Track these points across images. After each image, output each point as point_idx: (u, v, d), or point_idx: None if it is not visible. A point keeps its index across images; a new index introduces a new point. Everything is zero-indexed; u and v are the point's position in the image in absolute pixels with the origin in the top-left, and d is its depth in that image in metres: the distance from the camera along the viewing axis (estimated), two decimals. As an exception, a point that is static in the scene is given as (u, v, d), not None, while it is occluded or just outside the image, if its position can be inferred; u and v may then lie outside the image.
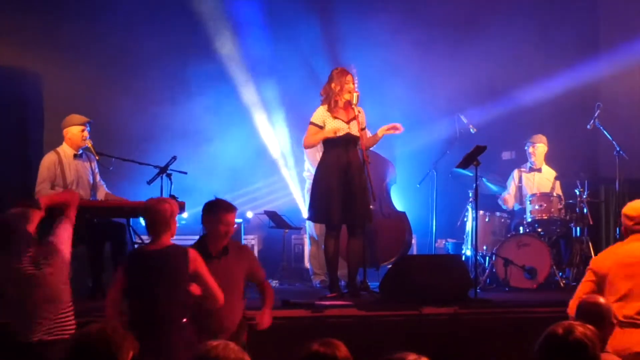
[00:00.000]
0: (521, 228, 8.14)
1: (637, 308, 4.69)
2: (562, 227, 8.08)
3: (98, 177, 7.11)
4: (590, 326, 3.01)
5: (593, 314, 3.89)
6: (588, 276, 4.93)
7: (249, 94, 9.08)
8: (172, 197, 6.74)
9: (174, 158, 7.07)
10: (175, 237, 4.73)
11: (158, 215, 4.56)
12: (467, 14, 9.30)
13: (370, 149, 7.11)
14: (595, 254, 7.05)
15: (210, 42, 8.89)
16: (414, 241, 8.58)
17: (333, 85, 6.75)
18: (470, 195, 7.85)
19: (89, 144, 6.96)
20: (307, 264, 8.52)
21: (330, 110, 6.74)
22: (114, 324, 2.92)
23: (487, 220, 8.14)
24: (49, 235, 4.57)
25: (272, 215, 8.44)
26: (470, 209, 7.99)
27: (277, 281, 8.14)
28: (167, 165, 7.04)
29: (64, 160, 6.89)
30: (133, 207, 6.74)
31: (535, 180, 8.53)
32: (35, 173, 6.92)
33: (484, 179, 8.30)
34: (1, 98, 8.18)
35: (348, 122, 6.73)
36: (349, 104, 6.76)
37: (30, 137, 8.46)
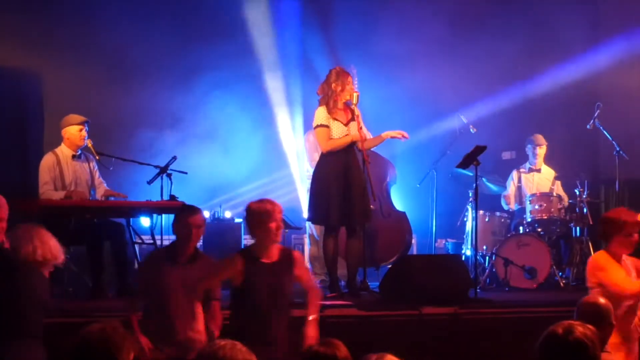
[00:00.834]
0: (521, 228, 8.14)
1: None
2: (562, 227, 8.08)
3: (97, 176, 7.11)
4: (590, 326, 3.01)
5: (593, 314, 3.89)
6: None
7: (251, 91, 9.10)
8: (172, 197, 6.76)
9: (174, 158, 7.07)
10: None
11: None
12: (466, 13, 9.29)
13: (371, 149, 7.11)
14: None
15: (211, 42, 8.89)
16: (414, 241, 8.57)
17: (334, 85, 6.70)
18: (470, 195, 7.85)
19: (89, 143, 6.97)
20: (307, 264, 8.52)
21: (329, 111, 6.70)
22: (115, 324, 2.90)
23: (487, 220, 8.14)
24: None
25: (272, 215, 8.42)
26: (470, 209, 7.99)
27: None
28: (168, 165, 7.04)
29: (63, 161, 6.89)
30: (133, 207, 6.75)
31: (535, 180, 8.53)
32: (35, 173, 6.92)
33: (484, 179, 8.30)
34: (1, 98, 8.18)
35: (347, 124, 6.71)
36: (346, 104, 6.74)
37: (30, 137, 8.45)
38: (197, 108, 8.98)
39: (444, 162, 8.33)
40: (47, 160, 6.89)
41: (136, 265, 6.87)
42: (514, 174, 8.61)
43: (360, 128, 6.72)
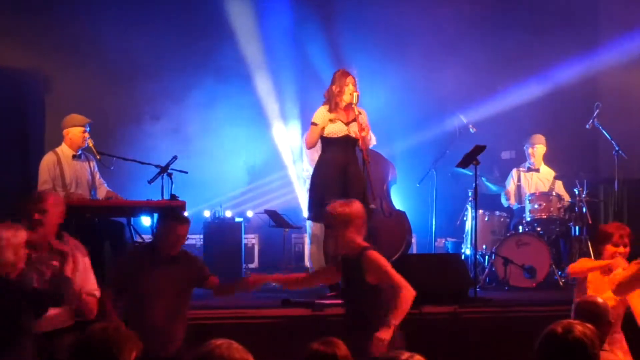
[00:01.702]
0: (520, 227, 8.15)
1: None
2: (561, 227, 8.09)
3: (98, 176, 7.12)
4: (589, 325, 3.02)
5: (591, 313, 3.90)
6: None
7: (251, 90, 9.11)
8: (173, 196, 6.76)
9: (175, 157, 7.08)
10: None
11: None
12: (467, 14, 9.30)
13: (370, 148, 7.12)
14: (594, 254, 7.06)
15: (211, 43, 8.91)
16: (413, 240, 8.58)
17: (334, 87, 6.78)
18: (470, 194, 7.86)
19: (90, 143, 6.96)
20: (307, 263, 8.53)
21: (330, 111, 6.76)
22: (117, 324, 2.90)
23: (486, 219, 8.15)
24: None
25: (273, 214, 8.45)
26: (469, 208, 8.00)
27: (277, 281, 8.14)
28: (168, 164, 7.04)
29: (63, 161, 6.89)
30: (133, 206, 6.75)
31: (534, 180, 8.54)
32: (35, 173, 6.92)
33: (483, 179, 8.31)
34: (1, 98, 8.18)
35: (348, 124, 6.74)
36: (350, 105, 6.77)
37: (30, 137, 8.46)
38: (197, 108, 9.00)
39: (444, 161, 8.33)
40: (48, 159, 6.89)
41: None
42: (514, 172, 8.62)
43: (363, 129, 6.75)
